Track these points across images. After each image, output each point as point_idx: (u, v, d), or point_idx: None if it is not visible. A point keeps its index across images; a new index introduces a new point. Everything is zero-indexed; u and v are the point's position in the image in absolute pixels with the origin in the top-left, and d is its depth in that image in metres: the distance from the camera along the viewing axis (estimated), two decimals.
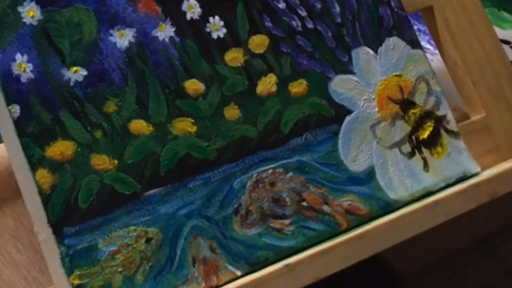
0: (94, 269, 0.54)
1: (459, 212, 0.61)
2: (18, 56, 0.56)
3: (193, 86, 0.60)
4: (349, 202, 0.61)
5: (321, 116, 0.62)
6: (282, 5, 0.63)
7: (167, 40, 0.60)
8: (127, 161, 0.57)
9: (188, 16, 0.61)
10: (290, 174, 0.60)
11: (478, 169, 0.65)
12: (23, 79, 0.56)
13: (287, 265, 0.56)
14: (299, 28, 0.64)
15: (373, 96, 0.64)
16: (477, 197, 0.62)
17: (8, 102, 0.55)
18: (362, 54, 0.65)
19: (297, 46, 0.63)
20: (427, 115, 0.65)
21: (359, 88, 0.64)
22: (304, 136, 0.61)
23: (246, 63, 0.61)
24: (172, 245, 0.56)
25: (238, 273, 0.57)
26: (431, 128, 0.65)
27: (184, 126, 0.58)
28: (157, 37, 0.60)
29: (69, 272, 0.54)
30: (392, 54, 0.66)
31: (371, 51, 0.65)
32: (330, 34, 0.64)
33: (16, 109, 0.55)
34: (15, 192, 0.58)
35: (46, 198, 0.54)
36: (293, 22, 0.64)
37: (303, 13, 0.64)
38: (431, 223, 0.60)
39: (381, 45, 0.66)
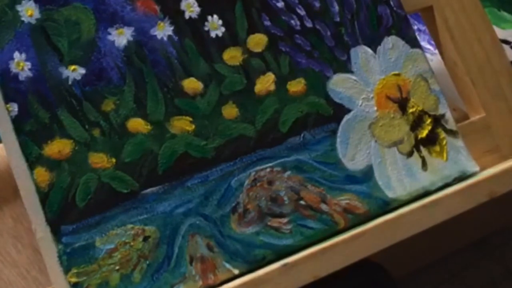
0: (92, 267, 0.54)
1: (458, 211, 0.61)
2: (16, 54, 0.56)
3: (191, 85, 0.60)
4: (347, 201, 0.61)
5: (319, 115, 0.62)
6: (281, 4, 0.63)
7: (165, 39, 0.60)
8: (125, 159, 0.57)
9: (187, 15, 0.61)
10: (288, 172, 0.60)
11: (477, 168, 0.65)
12: (21, 77, 0.56)
13: (285, 264, 0.55)
14: (298, 27, 0.64)
15: (371, 95, 0.64)
16: (476, 196, 0.62)
17: (6, 101, 0.55)
18: (361, 53, 0.65)
19: (295, 45, 0.63)
20: (426, 114, 0.65)
21: (358, 87, 0.64)
22: (302, 135, 0.61)
23: (245, 62, 0.61)
24: (169, 243, 0.56)
25: (236, 271, 0.57)
26: (429, 127, 0.65)
27: (182, 124, 0.59)
28: (155, 36, 0.60)
29: (66, 270, 0.54)
30: (391, 53, 0.66)
31: (370, 50, 0.65)
32: (329, 33, 0.64)
33: (14, 107, 0.55)
34: (15, 192, 0.58)
35: (44, 196, 0.54)
36: (292, 21, 0.64)
37: (302, 12, 0.64)
38: (430, 222, 0.60)
39: (380, 44, 0.66)
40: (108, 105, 0.57)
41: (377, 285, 0.72)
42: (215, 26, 0.61)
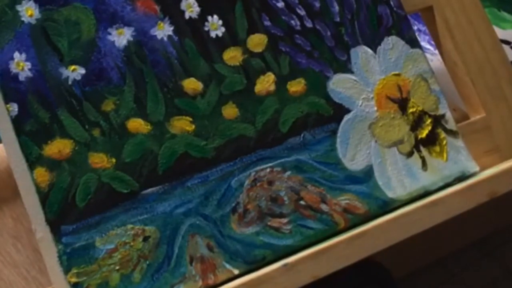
0: (92, 267, 0.54)
1: (458, 211, 0.61)
2: (16, 54, 0.56)
3: (191, 85, 0.60)
4: (347, 201, 0.61)
5: (320, 115, 0.62)
6: (281, 4, 0.63)
7: (165, 39, 0.60)
8: (125, 159, 0.57)
9: (187, 15, 0.61)
10: (288, 173, 0.60)
11: (477, 168, 0.65)
12: (21, 77, 0.56)
13: (285, 265, 0.55)
14: (298, 27, 0.64)
15: (371, 95, 0.64)
16: (476, 196, 0.62)
17: (6, 101, 0.55)
18: (361, 53, 0.65)
19: (295, 45, 0.63)
20: (426, 114, 0.65)
21: (358, 87, 0.64)
22: (302, 135, 0.61)
23: (245, 62, 0.61)
24: (169, 243, 0.56)
25: (236, 271, 0.57)
26: (429, 127, 0.65)
27: (182, 124, 0.59)
28: (155, 36, 0.60)
29: (66, 270, 0.54)
30: (391, 53, 0.66)
31: (370, 50, 0.65)
32: (329, 33, 0.64)
33: (14, 107, 0.55)
34: (15, 192, 0.58)
35: (44, 196, 0.55)
36: (292, 21, 0.64)
37: (302, 12, 0.64)
38: (430, 222, 0.60)
39: (380, 44, 0.66)
40: (108, 105, 0.57)
41: (378, 284, 0.72)
42: (215, 26, 0.61)
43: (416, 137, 0.64)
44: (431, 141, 0.65)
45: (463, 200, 0.61)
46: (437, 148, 0.65)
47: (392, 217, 0.60)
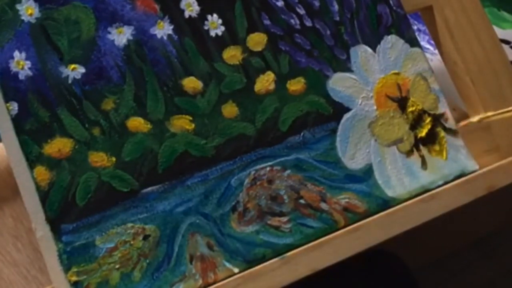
0: (92, 266, 0.54)
1: (456, 205, 0.61)
2: (16, 53, 0.56)
3: (191, 83, 0.60)
4: (346, 200, 0.61)
5: (319, 114, 0.62)
6: (280, 3, 0.64)
7: (165, 38, 0.60)
8: (125, 158, 0.57)
9: (186, 14, 0.61)
10: (288, 171, 0.60)
11: (476, 167, 0.65)
12: (21, 76, 0.56)
13: (283, 257, 0.56)
14: (298, 26, 0.64)
15: (371, 94, 0.64)
16: (474, 190, 0.62)
17: (6, 100, 0.55)
18: (361, 52, 0.65)
19: (295, 44, 0.63)
20: (426, 113, 0.65)
21: (357, 86, 0.64)
22: (302, 134, 0.61)
23: (244, 61, 0.61)
24: (169, 242, 0.56)
25: (236, 270, 0.57)
26: (429, 126, 0.65)
27: (182, 123, 0.59)
28: (155, 35, 0.60)
29: (66, 269, 0.54)
30: (390, 52, 0.66)
31: (369, 49, 0.65)
32: (328, 32, 0.64)
33: (14, 106, 0.55)
34: (15, 191, 0.58)
35: (44, 195, 0.55)
36: (292, 20, 0.64)
37: (301, 11, 0.64)
38: (428, 216, 0.60)
39: (379, 43, 0.66)
40: (108, 104, 0.57)
41: (393, 274, 0.72)
42: (214, 25, 0.61)
43: (415, 136, 0.64)
44: (430, 140, 0.65)
45: (461, 194, 0.61)
46: (437, 147, 0.65)
47: (390, 210, 0.60)
